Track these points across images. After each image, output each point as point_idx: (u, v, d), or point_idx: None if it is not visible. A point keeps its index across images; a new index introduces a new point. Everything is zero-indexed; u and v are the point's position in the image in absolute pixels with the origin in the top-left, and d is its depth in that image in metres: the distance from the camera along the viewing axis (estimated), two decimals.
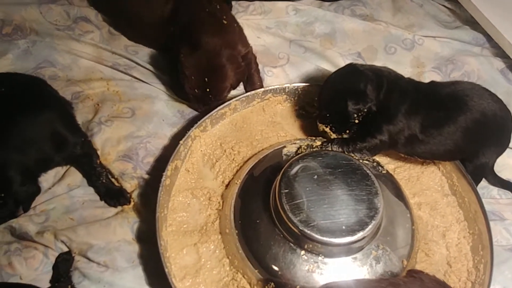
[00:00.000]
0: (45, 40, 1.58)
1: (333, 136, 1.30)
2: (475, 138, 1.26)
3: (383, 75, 1.26)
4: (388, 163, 1.38)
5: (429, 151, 1.25)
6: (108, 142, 1.39)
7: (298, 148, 1.29)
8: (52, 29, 1.62)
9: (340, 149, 1.24)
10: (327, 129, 1.29)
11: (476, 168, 1.30)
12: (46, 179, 1.33)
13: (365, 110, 1.23)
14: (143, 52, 1.62)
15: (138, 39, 1.64)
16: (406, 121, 1.22)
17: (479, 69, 1.64)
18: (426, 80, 1.57)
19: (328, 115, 1.29)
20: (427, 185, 1.35)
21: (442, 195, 1.34)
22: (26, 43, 1.57)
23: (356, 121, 1.24)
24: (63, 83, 1.51)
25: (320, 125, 1.31)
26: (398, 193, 1.25)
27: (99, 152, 1.37)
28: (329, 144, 1.26)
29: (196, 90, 1.38)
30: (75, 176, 1.34)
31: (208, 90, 1.38)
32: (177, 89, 1.50)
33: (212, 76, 1.38)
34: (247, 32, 1.59)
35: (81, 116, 1.44)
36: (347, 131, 1.27)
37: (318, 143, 1.28)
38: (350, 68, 1.30)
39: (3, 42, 1.56)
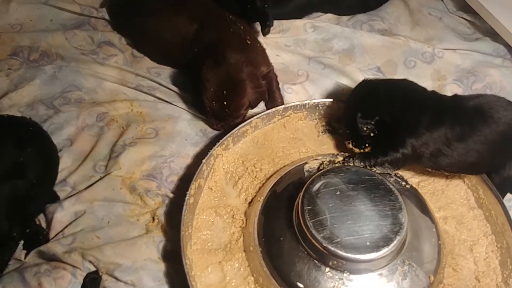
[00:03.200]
0: (71, 65, 1.63)
1: (357, 151, 1.31)
2: (502, 150, 1.24)
3: (398, 88, 1.28)
4: (411, 177, 1.37)
5: (455, 164, 1.24)
6: (133, 162, 1.41)
7: (320, 164, 1.29)
8: (77, 54, 1.67)
9: (362, 164, 1.25)
10: (350, 145, 1.32)
11: (502, 180, 1.28)
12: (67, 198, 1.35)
13: (373, 123, 1.24)
14: (166, 74, 1.65)
15: (161, 60, 1.68)
16: (430, 134, 1.21)
17: (501, 80, 1.62)
18: (448, 93, 1.57)
19: (347, 131, 1.32)
20: (452, 199, 1.33)
21: (468, 209, 1.32)
22: (53, 68, 1.61)
23: (372, 134, 1.26)
24: (88, 105, 1.54)
25: (346, 141, 1.34)
26: (423, 207, 1.24)
27: (123, 172, 1.39)
28: (351, 159, 1.26)
29: (213, 102, 1.40)
30: (94, 192, 1.35)
31: (225, 103, 1.39)
32: (200, 106, 1.52)
33: (231, 89, 1.39)
34: (267, 50, 1.61)
35: (107, 139, 1.47)
36: (367, 145, 1.28)
37: (340, 158, 1.29)
38: (363, 83, 1.33)
39: (31, 68, 1.61)
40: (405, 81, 1.33)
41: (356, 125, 1.26)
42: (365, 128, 1.26)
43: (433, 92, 1.31)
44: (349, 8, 1.85)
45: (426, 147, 1.22)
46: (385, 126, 1.24)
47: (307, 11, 1.82)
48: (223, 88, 1.38)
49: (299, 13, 1.79)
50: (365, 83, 1.34)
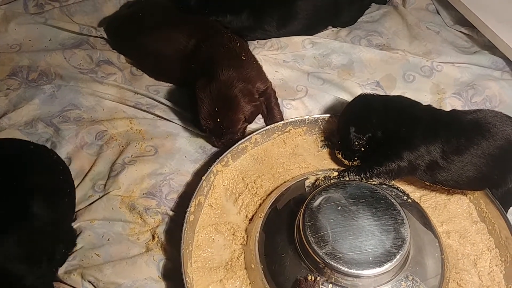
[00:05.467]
0: (70, 84, 1.63)
1: (346, 162, 1.34)
2: (500, 164, 1.23)
3: (393, 103, 1.30)
4: (413, 191, 1.36)
5: (452, 178, 1.24)
6: (132, 181, 1.41)
7: (315, 181, 1.29)
8: (76, 73, 1.67)
9: (357, 177, 1.25)
10: (340, 156, 1.35)
11: (503, 194, 1.27)
12: None
13: (365, 138, 1.26)
14: (164, 91, 1.65)
15: (160, 76, 1.69)
16: (425, 147, 1.21)
17: (501, 93, 1.62)
18: (448, 106, 1.58)
19: (339, 142, 1.35)
20: (455, 213, 1.32)
21: (471, 222, 1.31)
22: (52, 87, 1.62)
23: (362, 148, 1.28)
24: (88, 123, 1.54)
25: (336, 152, 1.37)
26: (425, 221, 1.23)
27: (122, 191, 1.38)
28: (346, 173, 1.27)
29: (208, 120, 1.39)
30: (94, 212, 1.34)
31: (219, 120, 1.38)
32: (198, 123, 1.52)
33: (223, 106, 1.38)
34: (265, 67, 1.61)
35: (106, 158, 1.46)
36: (356, 159, 1.31)
37: (335, 174, 1.29)
38: (359, 98, 1.36)
39: (29, 88, 1.61)
40: (399, 97, 1.36)
41: (349, 138, 1.28)
42: (356, 143, 1.28)
43: (428, 106, 1.33)
44: (352, 16, 1.88)
45: (422, 159, 1.22)
46: (376, 142, 1.26)
47: (312, 30, 1.83)
48: (216, 105, 1.38)
49: (305, 32, 1.80)
50: (361, 98, 1.36)
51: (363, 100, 1.35)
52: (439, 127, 1.24)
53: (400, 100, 1.33)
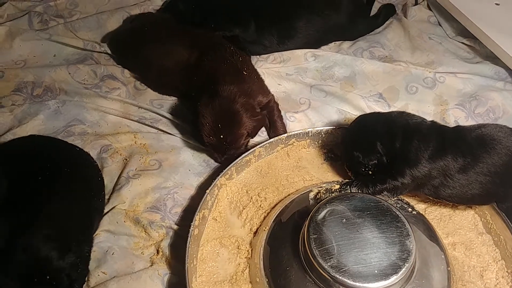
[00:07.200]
0: (74, 99, 1.64)
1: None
2: (505, 181, 1.23)
3: (397, 125, 1.27)
4: (418, 203, 1.35)
5: (456, 195, 1.23)
6: (136, 194, 1.41)
7: (317, 193, 1.28)
8: (81, 88, 1.68)
9: (359, 191, 1.24)
10: (350, 174, 1.33)
11: (509, 207, 1.26)
12: None
13: (370, 166, 1.25)
14: (168, 105, 1.66)
15: (163, 89, 1.70)
16: (431, 167, 1.20)
17: (504, 104, 1.62)
18: (451, 118, 1.58)
19: (346, 162, 1.34)
20: (460, 224, 1.32)
21: (476, 234, 1.30)
22: (56, 103, 1.63)
23: (370, 172, 1.26)
24: (92, 137, 1.55)
25: (345, 167, 1.35)
26: (431, 233, 1.22)
27: (127, 205, 1.38)
28: (348, 186, 1.26)
29: (211, 137, 1.39)
30: (100, 226, 1.33)
31: (222, 136, 1.38)
32: (199, 137, 1.52)
33: (225, 122, 1.38)
34: (268, 80, 1.62)
35: (110, 172, 1.47)
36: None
37: (337, 186, 1.28)
38: (362, 121, 1.33)
39: (34, 104, 1.62)
40: (403, 115, 1.31)
41: (356, 165, 1.28)
42: (363, 169, 1.27)
43: (433, 123, 1.30)
44: (359, 31, 1.90)
45: (428, 178, 1.22)
46: (383, 164, 1.25)
47: (314, 47, 1.83)
48: (218, 122, 1.38)
49: (306, 48, 1.81)
50: (363, 121, 1.33)
51: (366, 124, 1.32)
52: (445, 146, 1.22)
53: (405, 119, 1.29)
